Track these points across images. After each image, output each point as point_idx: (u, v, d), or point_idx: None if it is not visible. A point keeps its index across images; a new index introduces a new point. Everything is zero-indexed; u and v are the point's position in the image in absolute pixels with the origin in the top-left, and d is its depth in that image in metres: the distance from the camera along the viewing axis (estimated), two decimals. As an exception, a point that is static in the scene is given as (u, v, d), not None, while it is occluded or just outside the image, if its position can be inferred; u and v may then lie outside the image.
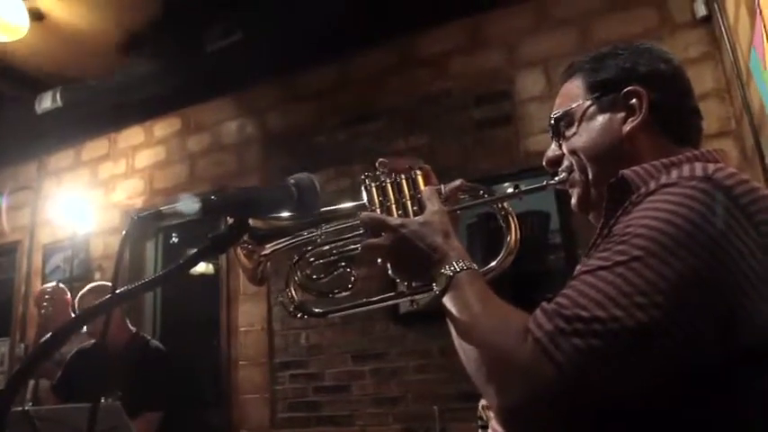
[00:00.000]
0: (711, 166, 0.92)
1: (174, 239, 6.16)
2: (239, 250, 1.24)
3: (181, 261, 1.03)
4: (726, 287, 0.82)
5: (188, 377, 4.14)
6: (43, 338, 3.88)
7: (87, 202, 6.12)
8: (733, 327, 0.82)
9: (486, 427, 2.25)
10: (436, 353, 4.22)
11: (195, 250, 1.04)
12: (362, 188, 1.22)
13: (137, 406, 3.24)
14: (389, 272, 1.16)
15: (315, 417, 4.67)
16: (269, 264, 1.27)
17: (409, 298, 1.22)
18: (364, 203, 1.21)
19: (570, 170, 1.19)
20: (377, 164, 1.23)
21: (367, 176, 1.22)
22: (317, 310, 1.30)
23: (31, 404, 3.58)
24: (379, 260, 1.16)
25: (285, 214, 1.22)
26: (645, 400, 0.83)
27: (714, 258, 0.82)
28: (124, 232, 1.05)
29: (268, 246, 1.24)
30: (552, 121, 1.22)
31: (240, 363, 5.10)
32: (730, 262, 0.82)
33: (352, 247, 1.26)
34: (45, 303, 4.17)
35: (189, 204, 1.00)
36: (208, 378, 5.33)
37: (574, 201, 1.21)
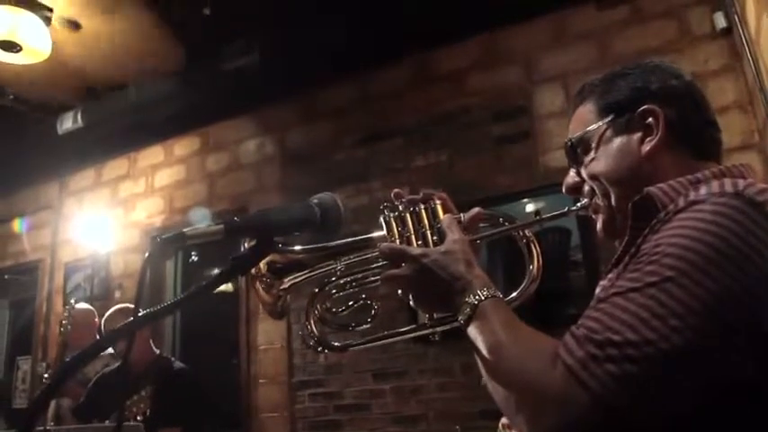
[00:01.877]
0: (741, 182, 0.91)
1: (194, 258, 6.19)
2: (258, 284, 1.22)
3: (204, 282, 1.02)
4: (760, 304, 0.80)
5: (208, 396, 4.13)
6: (68, 358, 3.90)
7: (108, 222, 6.19)
8: (766, 342, 0.80)
9: None
10: (458, 371, 4.20)
11: (218, 272, 1.04)
12: (381, 219, 1.19)
13: (156, 426, 3.24)
14: (411, 303, 1.14)
15: (335, 436, 4.65)
16: (288, 297, 1.25)
17: (431, 330, 1.19)
18: (383, 234, 1.19)
19: (592, 195, 1.17)
20: (392, 194, 1.21)
21: (385, 207, 1.19)
22: (337, 344, 1.27)
23: (52, 424, 3.58)
24: (401, 291, 1.14)
25: (299, 248, 1.21)
26: (680, 422, 0.81)
27: (747, 276, 0.80)
28: (147, 254, 1.04)
29: (287, 279, 1.22)
30: (569, 147, 1.20)
31: (260, 381, 5.10)
32: (764, 279, 0.81)
33: (373, 278, 1.24)
34: (64, 322, 4.18)
35: (212, 226, 0.99)
36: (227, 397, 5.32)
37: (599, 226, 1.18)
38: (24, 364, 6.50)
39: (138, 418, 3.14)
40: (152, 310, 0.99)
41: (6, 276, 7.09)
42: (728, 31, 3.82)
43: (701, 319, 0.78)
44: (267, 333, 5.12)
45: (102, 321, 3.79)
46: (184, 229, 0.98)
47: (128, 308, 3.82)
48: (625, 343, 0.79)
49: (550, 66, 4.45)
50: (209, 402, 4.01)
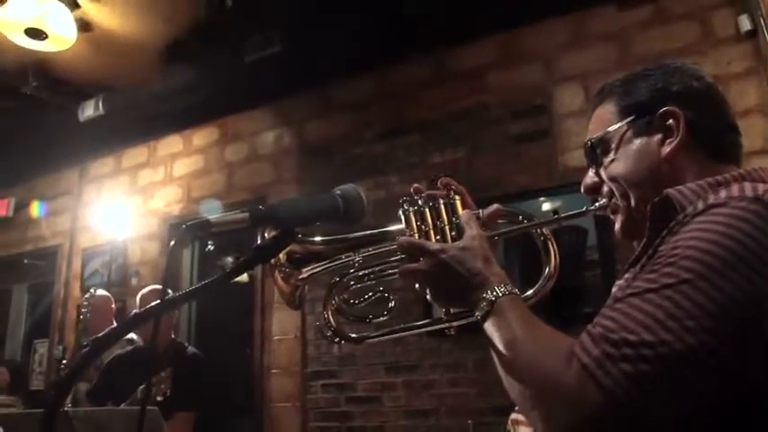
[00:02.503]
0: (761, 187, 0.91)
1: (210, 247, 6.24)
2: (277, 274, 1.23)
3: (227, 269, 1.05)
4: None
5: (221, 384, 4.17)
6: (85, 342, 3.96)
7: (126, 209, 6.25)
8: None
9: None
10: (470, 366, 4.21)
11: (241, 259, 1.06)
12: (400, 213, 1.20)
13: (172, 409, 3.28)
14: (428, 297, 1.14)
15: (346, 427, 4.68)
16: (306, 287, 1.26)
17: (447, 324, 1.20)
18: (402, 228, 1.20)
19: (611, 196, 1.17)
20: (412, 189, 1.22)
21: (405, 201, 1.20)
22: (353, 336, 1.28)
23: (70, 405, 3.63)
24: (418, 285, 1.14)
25: (318, 239, 1.23)
26: (693, 423, 0.82)
27: (765, 280, 0.81)
28: (172, 242, 1.06)
29: (305, 270, 1.23)
30: (588, 148, 1.20)
31: (273, 371, 5.13)
32: None
33: (391, 271, 1.24)
34: (84, 310, 4.24)
35: (238, 214, 1.01)
36: (240, 386, 5.37)
37: (618, 227, 1.18)
38: (41, 348, 6.59)
39: (159, 398, 3.18)
40: (180, 293, 1.02)
41: (26, 261, 7.17)
42: (753, 33, 3.79)
43: (716, 321, 0.78)
44: (281, 323, 5.16)
45: (137, 300, 3.86)
46: (210, 216, 1.00)
47: (162, 289, 3.88)
48: (640, 343, 0.79)
49: (570, 65, 4.43)
50: (220, 388, 4.07)
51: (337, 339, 1.28)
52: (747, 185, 0.92)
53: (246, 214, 1.02)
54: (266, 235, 1.08)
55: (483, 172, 4.48)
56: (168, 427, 2.90)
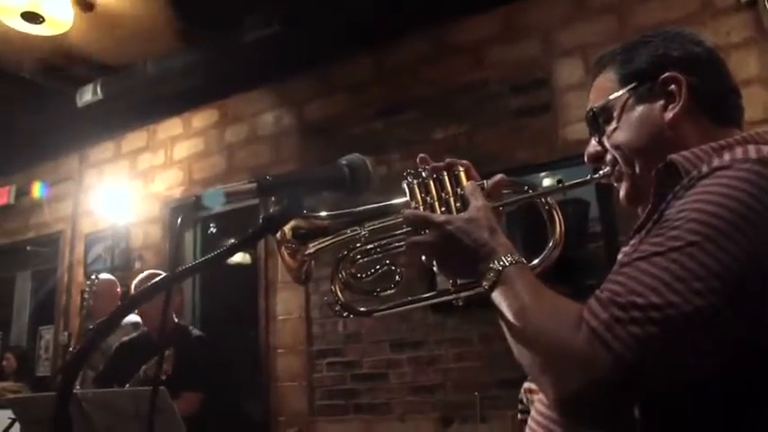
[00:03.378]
0: (765, 148, 0.91)
1: (212, 230, 6.25)
2: (283, 250, 1.24)
3: (237, 241, 1.05)
4: None
5: (227, 365, 4.19)
6: (91, 326, 3.98)
7: (127, 193, 6.25)
8: None
9: (526, 411, 2.24)
10: (475, 340, 4.22)
11: (251, 231, 1.06)
12: (404, 185, 1.20)
13: (177, 390, 3.30)
14: (435, 269, 1.15)
15: (353, 404, 4.72)
16: (313, 263, 1.26)
17: (455, 296, 1.20)
18: (407, 200, 1.20)
19: (614, 164, 1.17)
20: (417, 160, 1.22)
21: (409, 173, 1.20)
22: (362, 309, 1.28)
23: (78, 387, 3.66)
24: (424, 258, 1.15)
25: (324, 213, 1.24)
26: (701, 384, 0.83)
27: None
28: (180, 218, 1.06)
29: (311, 245, 1.23)
30: (590, 117, 1.20)
31: (278, 351, 5.16)
32: None
33: (397, 244, 1.24)
34: (86, 296, 4.25)
35: (246, 184, 1.02)
36: (246, 366, 5.40)
37: (622, 194, 1.19)
38: (47, 334, 6.62)
39: (162, 377, 3.21)
40: (188, 265, 1.02)
41: (28, 248, 7.18)
42: (753, 3, 3.77)
43: (723, 282, 0.79)
44: (285, 303, 5.18)
45: (133, 286, 3.86)
46: (220, 187, 1.01)
47: (158, 273, 3.89)
48: (648, 305, 0.80)
49: (570, 38, 4.41)
50: (226, 369, 4.09)
51: (346, 314, 1.28)
52: (751, 148, 0.93)
53: (254, 184, 1.03)
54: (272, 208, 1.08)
55: (484, 147, 4.47)
56: (175, 405, 2.91)
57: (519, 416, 2.38)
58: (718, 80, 1.13)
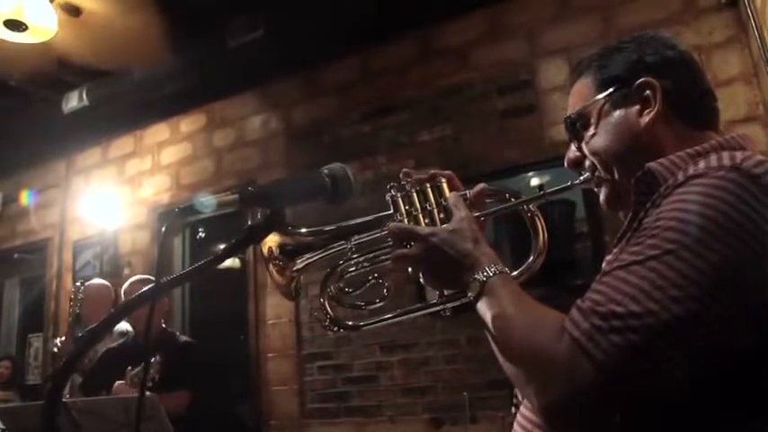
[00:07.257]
0: (739, 155, 0.92)
1: (201, 235, 6.23)
2: (271, 267, 1.24)
3: (221, 250, 1.06)
4: (759, 276, 0.83)
5: (216, 370, 4.17)
6: (80, 333, 3.95)
7: (115, 199, 6.23)
8: (765, 313, 0.83)
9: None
10: (464, 343, 4.24)
11: (234, 240, 1.07)
12: (388, 198, 1.21)
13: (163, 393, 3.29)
14: (421, 281, 1.16)
15: (344, 407, 4.72)
16: (301, 278, 1.27)
17: (442, 307, 1.20)
18: (391, 213, 1.21)
19: (594, 169, 1.18)
20: (401, 174, 1.23)
21: (392, 187, 1.21)
22: (350, 324, 1.28)
23: (68, 396, 3.64)
24: (411, 270, 1.16)
25: (305, 229, 1.24)
26: (682, 390, 0.84)
27: (746, 247, 0.82)
28: (164, 227, 1.07)
29: (299, 260, 1.24)
30: (569, 123, 1.21)
31: (268, 355, 5.16)
32: (762, 250, 0.83)
33: (384, 258, 1.25)
34: (72, 303, 4.20)
35: (227, 196, 1.02)
36: (237, 371, 5.38)
37: (602, 199, 1.20)
38: (36, 342, 6.60)
39: (149, 384, 3.19)
40: (172, 276, 1.03)
41: (16, 255, 7.14)
42: (734, 2, 3.80)
43: (701, 289, 0.80)
44: (275, 308, 5.18)
45: (122, 292, 3.84)
46: (203, 199, 1.01)
47: (147, 278, 3.87)
48: (628, 314, 0.81)
49: (554, 39, 4.43)
50: (216, 374, 4.07)
51: (335, 328, 1.28)
52: (725, 155, 0.93)
53: (236, 195, 1.03)
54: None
55: (471, 149, 4.48)
56: (165, 400, 2.90)
57: (513, 410, 2.40)
58: (692, 83, 1.14)
